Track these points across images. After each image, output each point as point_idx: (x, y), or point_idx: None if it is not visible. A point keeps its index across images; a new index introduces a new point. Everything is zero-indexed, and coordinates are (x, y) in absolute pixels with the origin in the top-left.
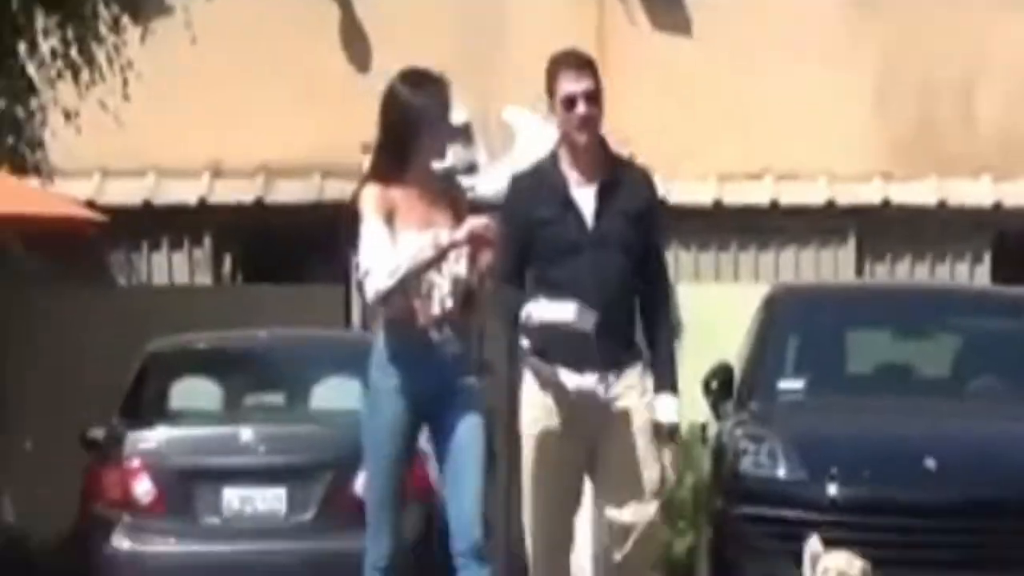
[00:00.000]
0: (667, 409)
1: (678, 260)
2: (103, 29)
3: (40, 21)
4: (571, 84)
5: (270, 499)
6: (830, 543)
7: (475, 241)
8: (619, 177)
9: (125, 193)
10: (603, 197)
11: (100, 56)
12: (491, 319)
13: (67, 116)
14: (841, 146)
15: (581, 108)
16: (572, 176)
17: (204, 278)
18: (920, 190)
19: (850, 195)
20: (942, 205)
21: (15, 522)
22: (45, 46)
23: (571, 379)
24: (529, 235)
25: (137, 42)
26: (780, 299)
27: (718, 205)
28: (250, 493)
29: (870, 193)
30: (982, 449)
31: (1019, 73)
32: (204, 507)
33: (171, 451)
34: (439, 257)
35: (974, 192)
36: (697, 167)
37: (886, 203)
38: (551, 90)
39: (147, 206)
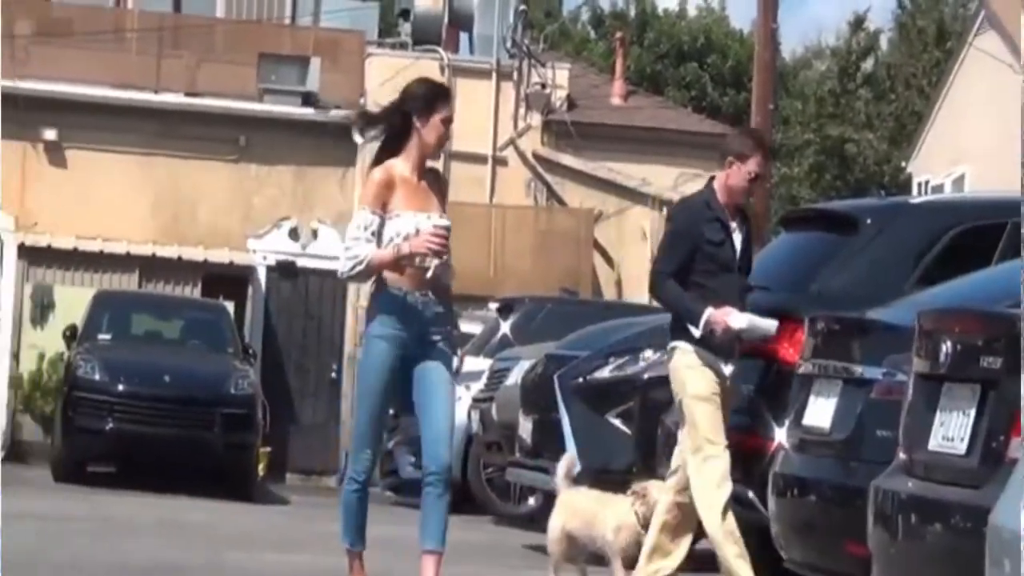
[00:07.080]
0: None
1: None
2: None
3: None
4: (760, 165)
5: None
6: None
7: (422, 250)
8: (746, 219)
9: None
10: (743, 233)
11: None
12: (659, 302)
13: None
14: None
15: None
16: (727, 212)
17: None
18: None
19: None
20: None
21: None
22: None
23: (719, 365)
24: (696, 249)
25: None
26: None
27: None
28: None
29: None
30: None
31: None
32: None
33: None
34: (395, 259)
35: None
36: None
37: None
38: (742, 156)
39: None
